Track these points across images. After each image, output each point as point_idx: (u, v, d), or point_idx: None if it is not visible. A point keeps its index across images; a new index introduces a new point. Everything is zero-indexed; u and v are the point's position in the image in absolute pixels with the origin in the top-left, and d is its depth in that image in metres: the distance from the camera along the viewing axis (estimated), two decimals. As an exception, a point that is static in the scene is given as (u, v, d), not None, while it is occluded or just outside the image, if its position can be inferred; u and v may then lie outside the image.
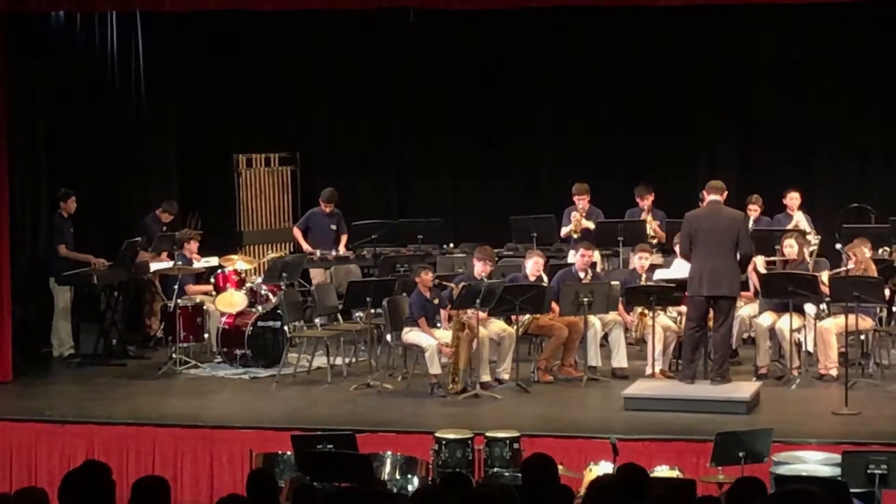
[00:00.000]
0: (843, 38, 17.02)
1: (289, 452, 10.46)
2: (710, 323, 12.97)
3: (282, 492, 9.48)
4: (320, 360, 14.25)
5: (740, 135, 17.73)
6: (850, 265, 13.45)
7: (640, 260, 14.13)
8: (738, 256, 12.88)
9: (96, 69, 16.65)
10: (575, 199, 15.77)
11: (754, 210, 15.44)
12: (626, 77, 17.66)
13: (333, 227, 16.36)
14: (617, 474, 7.68)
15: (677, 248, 13.79)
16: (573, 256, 14.70)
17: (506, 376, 13.52)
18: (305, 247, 16.23)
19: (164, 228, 16.17)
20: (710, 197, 13.08)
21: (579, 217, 15.68)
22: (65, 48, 16.19)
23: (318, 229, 16.34)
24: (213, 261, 15.57)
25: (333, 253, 16.20)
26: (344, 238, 16.35)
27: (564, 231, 15.83)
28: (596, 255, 14.66)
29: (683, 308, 13.41)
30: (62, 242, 15.21)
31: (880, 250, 14.62)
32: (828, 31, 16.96)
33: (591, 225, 15.68)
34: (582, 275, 13.95)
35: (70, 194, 15.32)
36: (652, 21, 16.64)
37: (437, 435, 10.76)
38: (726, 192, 13.24)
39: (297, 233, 16.50)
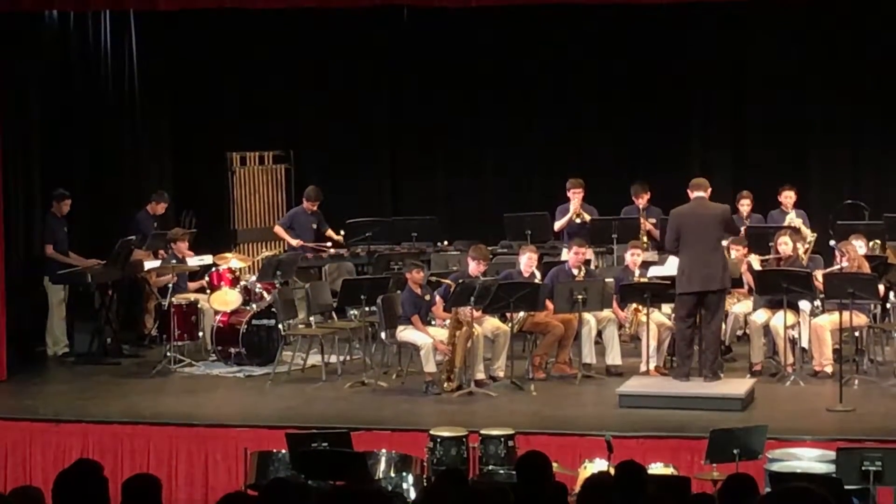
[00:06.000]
0: (836, 36, 17.03)
1: (283, 451, 10.46)
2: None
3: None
4: (315, 359, 14.24)
5: (735, 133, 17.75)
6: (844, 262, 13.44)
7: (632, 256, 14.11)
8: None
9: (90, 68, 16.62)
10: (570, 193, 15.80)
11: (746, 205, 15.44)
12: (621, 75, 17.63)
13: (314, 225, 16.37)
14: (616, 471, 7.68)
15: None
16: (567, 254, 14.71)
17: (500, 374, 13.51)
18: (291, 241, 16.24)
19: (156, 224, 16.16)
20: (694, 194, 13.03)
21: (578, 204, 15.68)
22: (58, 47, 16.15)
23: (300, 227, 16.35)
24: (208, 259, 15.55)
25: (328, 251, 16.19)
26: (328, 231, 16.36)
27: (559, 224, 15.82)
28: (589, 253, 14.70)
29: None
30: (50, 242, 15.19)
31: (871, 243, 14.62)
32: (821, 30, 16.97)
33: (587, 216, 15.69)
34: (576, 272, 13.95)
35: (65, 196, 15.28)
36: (647, 20, 16.63)
37: (431, 433, 10.74)
38: (710, 189, 13.17)
39: (280, 231, 16.51)
